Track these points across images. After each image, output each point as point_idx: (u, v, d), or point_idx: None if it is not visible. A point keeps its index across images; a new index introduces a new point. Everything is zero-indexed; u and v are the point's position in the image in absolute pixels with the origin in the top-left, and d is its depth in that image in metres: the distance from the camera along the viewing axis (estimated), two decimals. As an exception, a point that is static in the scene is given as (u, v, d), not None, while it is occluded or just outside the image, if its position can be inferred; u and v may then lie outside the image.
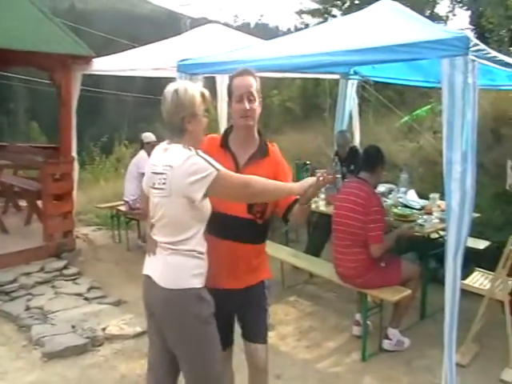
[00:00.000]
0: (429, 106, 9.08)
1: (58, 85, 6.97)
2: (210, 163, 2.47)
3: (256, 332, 3.00)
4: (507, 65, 3.99)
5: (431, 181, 6.87)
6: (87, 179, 12.84)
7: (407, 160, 7.34)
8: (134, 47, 8.92)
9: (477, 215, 4.74)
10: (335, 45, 4.16)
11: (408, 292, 4.25)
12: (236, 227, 2.79)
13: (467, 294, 3.67)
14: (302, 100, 16.02)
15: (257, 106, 2.78)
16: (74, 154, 7.37)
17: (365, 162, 4.57)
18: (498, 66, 3.84)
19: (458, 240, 3.29)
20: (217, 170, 2.46)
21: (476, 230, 4.14)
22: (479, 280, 4.53)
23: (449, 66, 3.25)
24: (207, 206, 2.60)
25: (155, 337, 2.78)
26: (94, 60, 7.19)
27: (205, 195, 2.47)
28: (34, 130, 41.14)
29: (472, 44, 3.20)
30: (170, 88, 2.65)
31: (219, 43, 6.79)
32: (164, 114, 2.66)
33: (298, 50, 4.38)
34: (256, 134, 2.88)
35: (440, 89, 7.32)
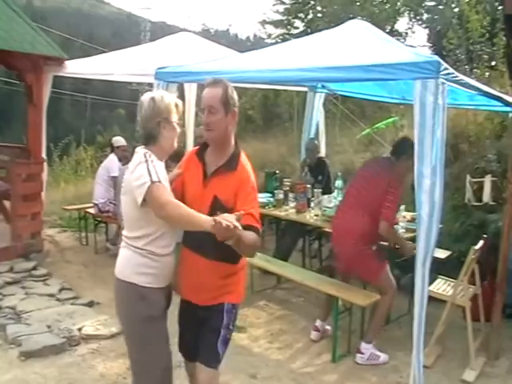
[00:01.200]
0: (390, 120, 9.39)
1: (28, 85, 6.98)
2: (150, 173, 2.59)
3: (203, 353, 2.89)
4: (471, 87, 4.29)
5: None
6: (47, 181, 12.75)
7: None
8: (92, 48, 9.01)
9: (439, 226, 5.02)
10: (312, 61, 4.37)
11: (377, 297, 4.48)
12: (199, 239, 2.73)
13: (429, 300, 3.90)
14: (263, 109, 16.25)
15: (219, 118, 2.74)
16: (44, 155, 7.40)
17: (392, 148, 4.77)
18: (464, 89, 4.12)
19: (427, 247, 3.55)
20: (151, 181, 2.56)
21: (437, 241, 4.40)
22: (442, 287, 4.80)
23: (420, 87, 3.47)
24: None
25: None
26: (66, 62, 7.25)
27: (144, 200, 2.58)
28: (-14, 128, 40.15)
29: (442, 68, 3.47)
30: (146, 96, 2.83)
31: (192, 52, 6.97)
32: (140, 120, 2.82)
33: (276, 65, 4.58)
34: (231, 145, 2.85)
35: (401, 104, 7.67)
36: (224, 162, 2.82)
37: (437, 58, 3.57)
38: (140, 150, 2.76)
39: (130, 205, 2.70)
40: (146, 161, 2.64)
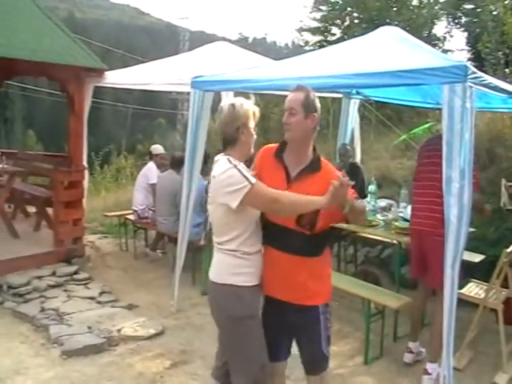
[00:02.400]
0: (426, 125, 9.34)
1: (70, 96, 7.21)
2: (246, 177, 2.75)
3: (309, 362, 3.13)
4: (501, 90, 4.29)
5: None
6: (88, 188, 13.05)
7: (406, 177, 7.62)
8: (132, 58, 9.20)
9: (472, 230, 4.99)
10: (343, 68, 4.45)
11: (409, 300, 4.50)
12: (285, 237, 2.91)
13: (462, 304, 3.90)
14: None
15: (298, 120, 2.86)
16: (85, 163, 7.64)
17: None
18: (494, 92, 4.14)
19: (455, 250, 3.55)
20: (251, 184, 2.73)
21: (472, 245, 4.38)
22: (474, 290, 4.81)
23: (448, 91, 3.52)
24: (250, 211, 2.85)
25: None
26: (106, 73, 7.48)
27: (241, 203, 2.74)
28: (30, 137, 41.29)
29: (470, 72, 3.49)
30: (226, 102, 3.00)
31: (228, 61, 7.09)
32: (220, 124, 2.98)
33: (308, 72, 4.66)
34: (310, 150, 2.97)
35: (437, 109, 7.64)
36: (306, 164, 2.95)
37: (465, 62, 3.61)
38: (221, 158, 2.91)
39: (221, 211, 2.86)
40: (235, 166, 2.80)
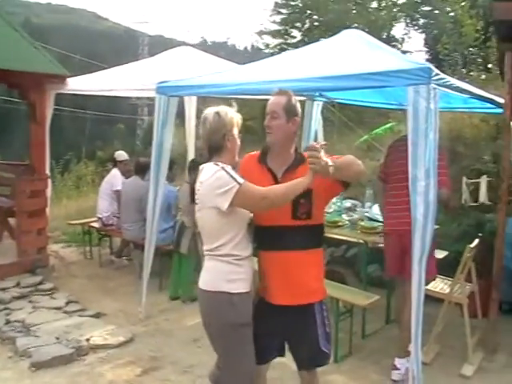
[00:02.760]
0: (387, 126, 9.47)
1: (31, 103, 7.09)
2: (233, 177, 2.76)
3: (302, 359, 3.15)
4: (463, 91, 4.40)
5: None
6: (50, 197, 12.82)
7: (369, 177, 7.70)
8: (90, 63, 9.10)
9: (436, 227, 5.08)
10: (309, 71, 4.47)
11: (377, 298, 4.57)
12: (281, 236, 2.93)
13: (428, 299, 3.96)
14: (263, 119, 16.25)
15: (280, 123, 2.90)
16: (48, 171, 7.52)
17: None
18: (456, 93, 4.24)
19: (422, 246, 3.62)
20: (239, 184, 2.74)
21: (435, 241, 4.42)
22: (439, 285, 4.94)
23: (413, 93, 3.58)
24: (241, 213, 2.86)
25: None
26: (68, 79, 7.37)
27: (231, 204, 2.74)
28: (-16, 146, 40.26)
29: (434, 74, 3.58)
30: (210, 111, 3.00)
31: (191, 65, 7.08)
32: (204, 133, 2.99)
33: (274, 76, 4.68)
34: (292, 151, 3.01)
35: (399, 110, 7.75)
36: (290, 163, 2.98)
37: (428, 64, 3.68)
38: (208, 165, 2.90)
39: (211, 215, 2.84)
40: (222, 168, 2.81)
